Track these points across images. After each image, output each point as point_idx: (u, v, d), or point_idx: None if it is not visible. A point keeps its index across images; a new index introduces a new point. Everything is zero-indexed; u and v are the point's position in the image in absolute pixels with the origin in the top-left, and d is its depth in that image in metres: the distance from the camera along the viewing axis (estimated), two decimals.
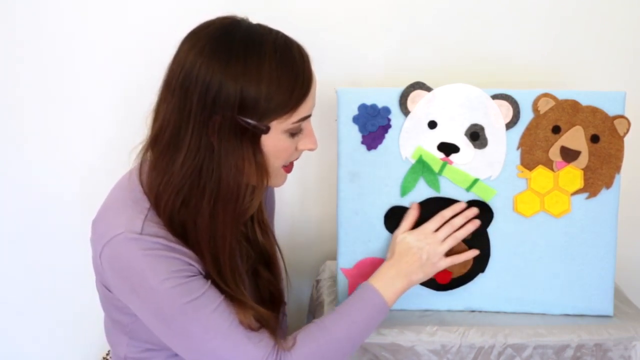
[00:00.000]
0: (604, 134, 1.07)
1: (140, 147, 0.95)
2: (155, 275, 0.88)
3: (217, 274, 0.92)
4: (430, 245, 1.04)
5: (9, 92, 1.34)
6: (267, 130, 0.89)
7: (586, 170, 1.08)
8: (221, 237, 0.92)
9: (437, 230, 1.06)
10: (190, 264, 0.91)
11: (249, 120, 0.87)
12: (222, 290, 0.93)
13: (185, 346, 0.91)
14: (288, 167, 0.99)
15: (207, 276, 0.93)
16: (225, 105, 0.85)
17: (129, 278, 0.90)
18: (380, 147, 1.09)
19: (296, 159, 0.99)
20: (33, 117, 1.36)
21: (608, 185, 1.08)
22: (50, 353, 1.53)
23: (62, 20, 1.30)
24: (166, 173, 0.89)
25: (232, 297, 0.93)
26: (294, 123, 0.91)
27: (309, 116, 0.94)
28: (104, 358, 1.23)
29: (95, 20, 1.30)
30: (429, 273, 1.04)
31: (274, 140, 0.91)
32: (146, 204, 0.92)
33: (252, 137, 0.89)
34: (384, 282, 1.01)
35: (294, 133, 0.93)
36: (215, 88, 0.85)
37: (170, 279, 0.88)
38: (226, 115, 0.86)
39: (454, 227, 1.07)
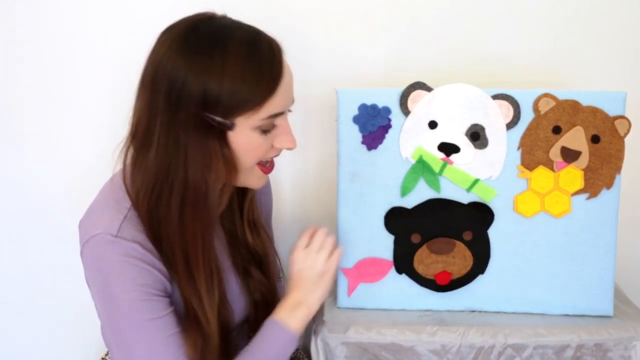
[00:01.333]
0: (605, 134, 1.07)
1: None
2: (122, 284, 0.88)
3: (188, 275, 0.92)
4: (307, 262, 1.03)
5: (9, 92, 1.34)
6: (232, 126, 0.87)
7: (587, 170, 1.08)
8: (191, 235, 0.91)
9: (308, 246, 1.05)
10: (161, 280, 0.90)
11: (214, 117, 0.86)
12: (189, 293, 0.92)
13: None
14: (267, 169, 0.97)
15: (171, 294, 0.93)
16: (190, 101, 0.84)
17: (97, 279, 0.90)
18: (380, 147, 1.09)
19: (274, 156, 0.97)
20: (33, 117, 1.35)
21: (608, 185, 1.08)
22: (50, 353, 1.53)
23: (62, 20, 1.30)
24: (142, 169, 0.89)
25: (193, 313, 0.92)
26: (262, 120, 0.88)
27: (281, 113, 0.91)
28: (102, 359, 1.23)
29: (95, 20, 1.30)
30: (325, 282, 1.03)
31: (243, 137, 0.88)
32: (127, 203, 0.91)
33: (219, 134, 0.87)
34: (285, 313, 1.00)
35: (265, 130, 0.90)
36: (179, 84, 0.84)
37: (136, 291, 0.88)
38: (191, 112, 0.85)
39: (324, 233, 1.05)
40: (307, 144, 1.38)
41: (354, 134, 1.09)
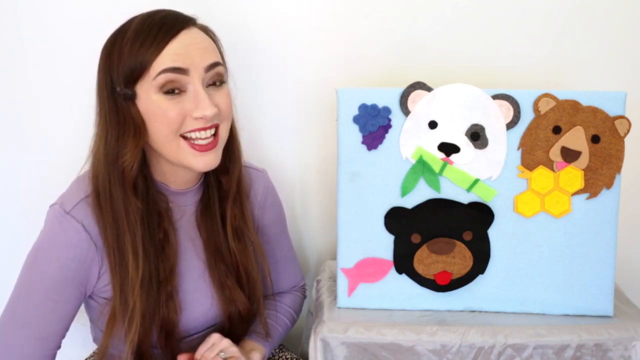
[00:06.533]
0: (605, 134, 1.07)
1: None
2: (46, 251, 0.96)
3: (119, 253, 0.96)
4: None
5: (8, 91, 1.34)
6: (134, 94, 0.93)
7: (587, 170, 1.08)
8: (116, 209, 0.95)
9: None
10: (85, 270, 0.97)
11: (119, 89, 0.93)
12: (119, 278, 0.97)
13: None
14: (197, 146, 0.96)
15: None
16: (103, 80, 0.95)
17: (37, 239, 0.99)
18: (380, 147, 1.09)
19: (197, 128, 0.95)
20: (33, 116, 1.35)
21: (608, 185, 1.08)
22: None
23: (64, 20, 1.30)
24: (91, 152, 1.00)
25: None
26: (155, 78, 0.92)
27: (177, 69, 0.92)
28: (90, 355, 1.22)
29: (91, 20, 1.30)
30: None
31: (148, 102, 0.93)
32: (89, 189, 0.98)
33: (127, 103, 0.94)
34: None
35: (167, 91, 0.93)
36: (100, 68, 0.96)
37: (53, 269, 0.96)
38: (106, 89, 0.95)
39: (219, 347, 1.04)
40: (307, 144, 1.38)
41: (354, 134, 1.09)
